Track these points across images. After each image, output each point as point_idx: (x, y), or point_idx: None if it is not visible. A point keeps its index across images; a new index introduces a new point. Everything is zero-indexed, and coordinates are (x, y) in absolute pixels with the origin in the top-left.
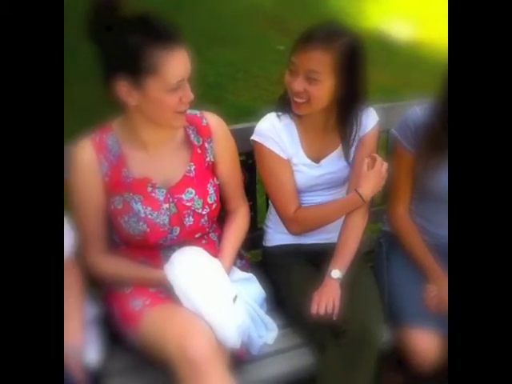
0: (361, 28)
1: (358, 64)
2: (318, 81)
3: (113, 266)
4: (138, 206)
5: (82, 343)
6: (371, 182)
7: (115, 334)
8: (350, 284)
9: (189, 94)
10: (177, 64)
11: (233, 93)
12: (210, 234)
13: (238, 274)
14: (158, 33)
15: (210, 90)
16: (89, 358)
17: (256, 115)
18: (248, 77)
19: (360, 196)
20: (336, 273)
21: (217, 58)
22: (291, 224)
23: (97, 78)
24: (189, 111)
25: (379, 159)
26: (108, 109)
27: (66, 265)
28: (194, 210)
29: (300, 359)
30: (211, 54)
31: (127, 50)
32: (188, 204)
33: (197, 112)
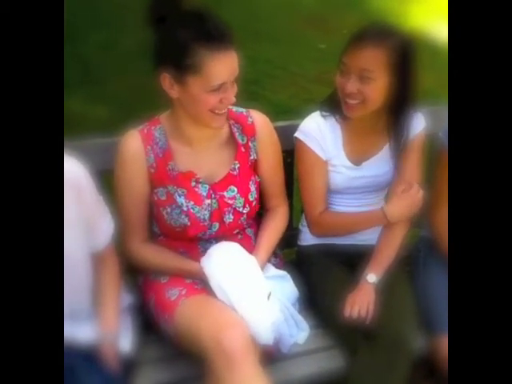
0: (405, 28)
1: (410, 62)
2: (372, 79)
3: (152, 254)
4: (181, 200)
5: (117, 331)
6: (401, 204)
7: (149, 322)
8: (385, 289)
9: (230, 97)
10: (221, 67)
11: (270, 90)
12: (247, 230)
13: (272, 270)
14: (208, 32)
15: (248, 87)
16: (122, 345)
17: (293, 113)
18: (286, 74)
19: (385, 215)
20: (372, 277)
21: (255, 55)
22: (313, 225)
23: (140, 71)
24: (235, 109)
25: (416, 186)
26: (152, 102)
27: (105, 252)
28: (234, 208)
29: (330, 361)
30: (249, 51)
31: (174, 45)
32: (229, 202)
33: (243, 110)
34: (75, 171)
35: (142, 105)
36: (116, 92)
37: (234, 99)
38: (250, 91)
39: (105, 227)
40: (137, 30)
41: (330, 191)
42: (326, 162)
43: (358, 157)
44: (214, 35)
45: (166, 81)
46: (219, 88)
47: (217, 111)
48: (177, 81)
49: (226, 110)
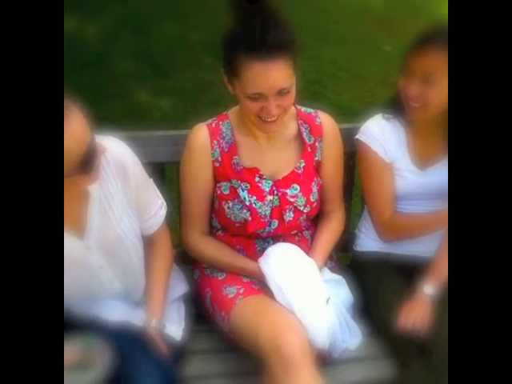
0: None
1: None
2: (436, 83)
3: (211, 248)
4: (244, 194)
5: (163, 318)
6: None
7: (201, 314)
8: (441, 301)
9: (270, 109)
10: (257, 78)
11: (333, 91)
12: (304, 232)
13: (329, 274)
14: (251, 40)
15: (311, 87)
16: (174, 333)
17: (354, 115)
18: (349, 76)
19: None
20: (429, 289)
21: (320, 55)
22: (383, 229)
23: (208, 66)
24: (303, 108)
25: None
26: (220, 97)
27: (158, 236)
28: (295, 207)
29: (380, 371)
30: (314, 51)
31: (225, 45)
32: (291, 199)
33: (311, 110)
34: (120, 151)
35: (209, 99)
36: (183, 86)
37: (274, 112)
38: (313, 91)
39: (155, 210)
40: (206, 24)
41: None
42: (390, 164)
43: (422, 161)
44: (256, 45)
45: (224, 76)
46: (257, 98)
47: (263, 118)
48: (228, 79)
49: (275, 118)
